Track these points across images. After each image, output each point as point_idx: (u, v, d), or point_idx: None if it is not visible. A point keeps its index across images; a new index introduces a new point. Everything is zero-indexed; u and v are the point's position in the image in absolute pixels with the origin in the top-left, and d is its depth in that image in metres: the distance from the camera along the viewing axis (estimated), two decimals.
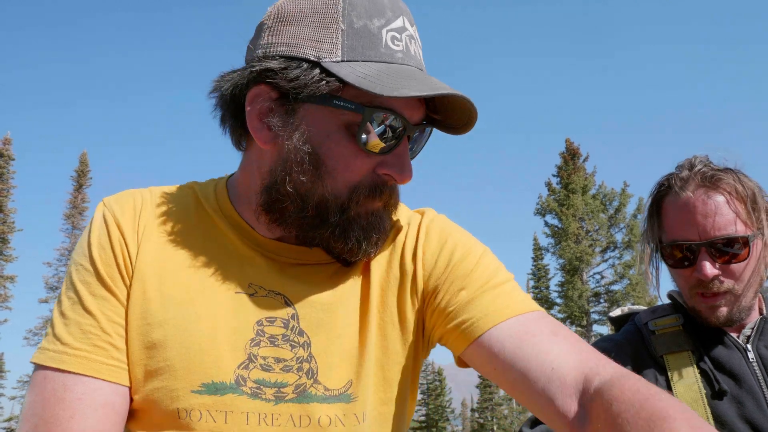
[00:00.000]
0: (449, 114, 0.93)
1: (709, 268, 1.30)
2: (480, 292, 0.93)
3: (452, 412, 51.31)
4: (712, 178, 1.33)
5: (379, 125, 0.87)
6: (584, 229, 32.45)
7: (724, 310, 1.33)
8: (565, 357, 0.85)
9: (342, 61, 0.86)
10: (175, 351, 0.87)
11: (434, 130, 0.97)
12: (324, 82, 0.85)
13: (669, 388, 1.34)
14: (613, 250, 32.12)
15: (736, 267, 1.31)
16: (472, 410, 50.73)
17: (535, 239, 38.33)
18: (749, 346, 1.36)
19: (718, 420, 1.28)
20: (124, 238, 0.92)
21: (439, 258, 0.98)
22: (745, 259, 1.31)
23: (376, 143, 0.87)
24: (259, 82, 0.88)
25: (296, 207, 0.89)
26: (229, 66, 0.95)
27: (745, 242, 1.30)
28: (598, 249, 32.55)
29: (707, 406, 1.29)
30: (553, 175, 34.13)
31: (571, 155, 33.81)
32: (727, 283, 1.32)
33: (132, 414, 0.91)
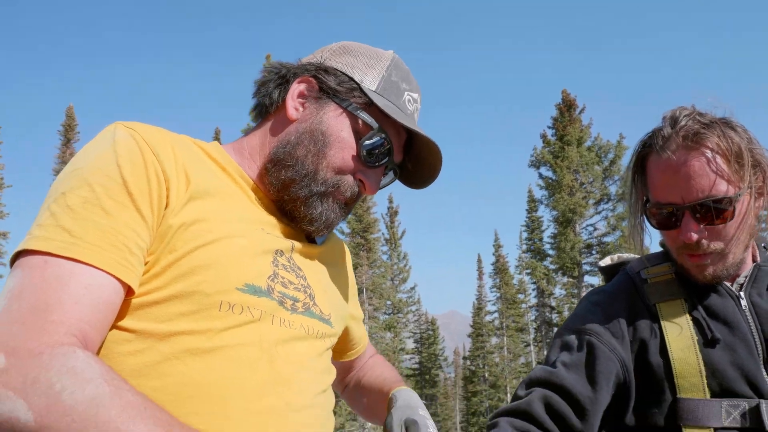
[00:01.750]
0: (417, 167, 1.24)
1: (694, 232, 1.26)
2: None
3: (445, 360, 52.42)
4: (695, 136, 1.26)
5: (377, 144, 1.15)
6: (578, 181, 32.47)
7: (711, 269, 1.31)
8: None
9: (374, 91, 1.16)
10: (224, 253, 0.99)
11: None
12: (358, 96, 1.15)
13: (662, 336, 1.33)
14: (607, 203, 32.24)
15: (721, 228, 1.27)
16: (464, 358, 51.78)
17: (529, 191, 38.41)
18: (742, 294, 1.35)
19: (710, 367, 1.28)
20: (161, 165, 0.97)
21: None
22: (731, 219, 1.26)
23: (370, 153, 1.15)
24: (312, 76, 1.17)
25: (294, 170, 1.12)
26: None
27: (730, 202, 1.25)
28: (591, 201, 32.65)
29: (699, 353, 1.29)
30: (549, 127, 33.92)
31: (567, 107, 33.52)
32: (714, 244, 1.28)
33: (149, 305, 0.94)
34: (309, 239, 1.23)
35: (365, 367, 1.50)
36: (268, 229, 1.11)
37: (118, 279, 0.89)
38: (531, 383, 1.34)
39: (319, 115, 1.14)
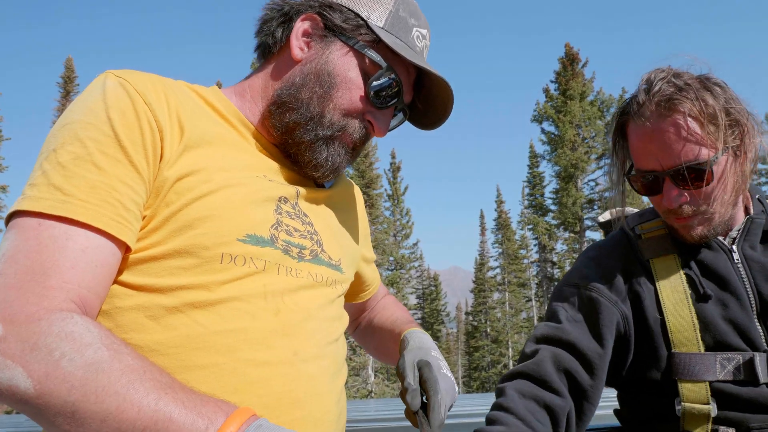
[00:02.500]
0: (427, 107, 1.19)
1: (675, 198, 1.27)
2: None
3: (447, 315, 53.19)
4: (668, 102, 1.24)
5: (386, 84, 1.10)
6: (581, 136, 32.27)
7: (699, 229, 1.31)
8: None
9: (382, 28, 1.11)
10: (223, 203, 0.96)
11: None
12: (365, 34, 1.10)
13: (656, 291, 1.34)
14: (609, 157, 32.08)
15: (703, 191, 1.27)
16: (467, 313, 52.49)
17: (531, 146, 38.22)
18: (734, 248, 1.35)
19: (704, 321, 1.29)
20: (154, 114, 0.94)
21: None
22: (710, 181, 1.25)
23: (378, 94, 1.10)
24: (316, 13, 1.11)
25: (299, 113, 1.08)
26: None
27: (707, 165, 1.24)
28: (593, 156, 32.52)
29: (692, 307, 1.30)
30: (551, 81, 33.55)
31: (570, 60, 33.07)
32: (697, 207, 1.29)
33: (149, 260, 0.92)
34: (316, 183, 1.19)
35: (377, 308, 1.49)
36: (270, 175, 1.08)
37: (114, 238, 0.87)
38: (538, 340, 1.34)
39: (325, 55, 1.10)
